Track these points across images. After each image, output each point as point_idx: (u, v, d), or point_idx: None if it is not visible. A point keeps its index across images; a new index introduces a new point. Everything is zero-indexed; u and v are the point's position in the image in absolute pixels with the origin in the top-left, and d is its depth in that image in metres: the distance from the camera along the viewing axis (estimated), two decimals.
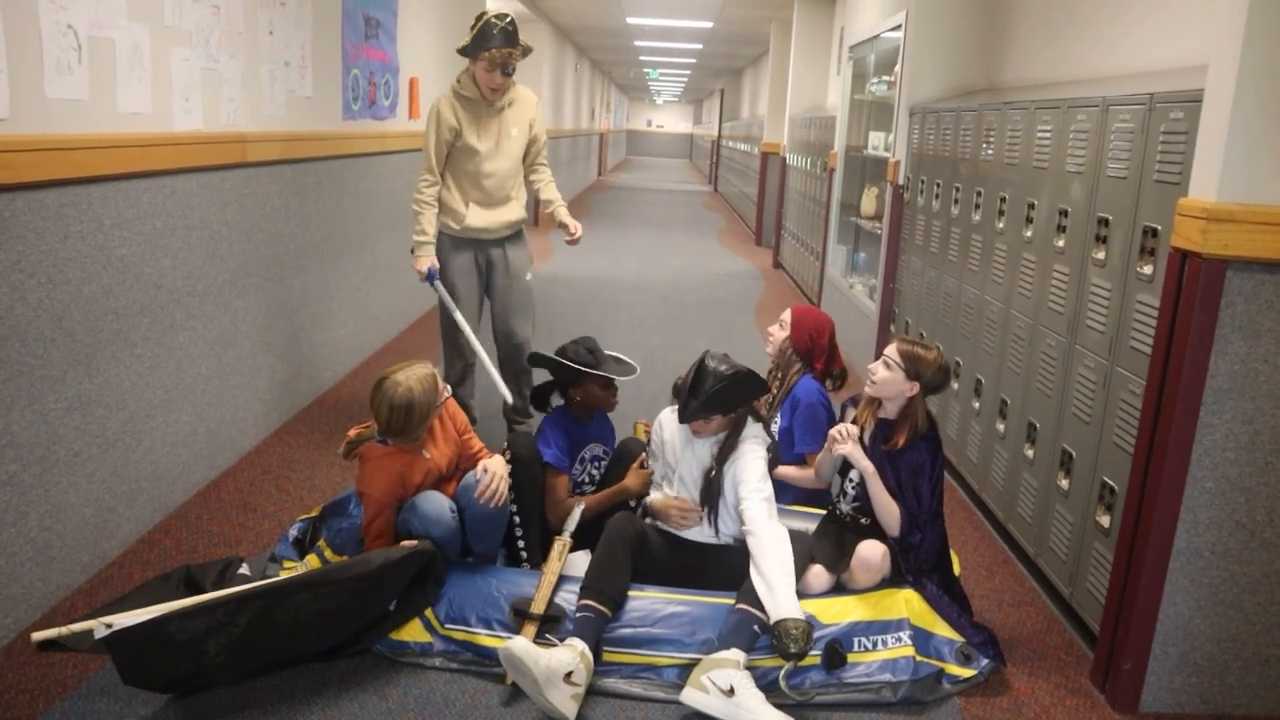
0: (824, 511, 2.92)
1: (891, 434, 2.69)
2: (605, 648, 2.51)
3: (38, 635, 2.44)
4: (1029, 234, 3.37)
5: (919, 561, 2.67)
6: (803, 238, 8.63)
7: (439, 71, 6.44)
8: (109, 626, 2.24)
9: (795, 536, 2.64)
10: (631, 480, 2.93)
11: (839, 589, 2.70)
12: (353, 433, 2.76)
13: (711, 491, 2.69)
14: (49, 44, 2.54)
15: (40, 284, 2.56)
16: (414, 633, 2.57)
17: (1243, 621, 2.47)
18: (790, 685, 2.43)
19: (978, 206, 3.90)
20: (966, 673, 2.55)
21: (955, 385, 3.98)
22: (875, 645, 2.53)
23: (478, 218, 3.88)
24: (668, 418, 2.83)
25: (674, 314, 7.32)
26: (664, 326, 6.83)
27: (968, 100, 4.42)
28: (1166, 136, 2.52)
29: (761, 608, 2.45)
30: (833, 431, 2.71)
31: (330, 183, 4.68)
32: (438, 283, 3.89)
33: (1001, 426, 3.50)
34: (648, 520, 2.81)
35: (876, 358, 2.74)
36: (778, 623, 2.40)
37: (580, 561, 2.71)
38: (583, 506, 2.85)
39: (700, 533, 2.74)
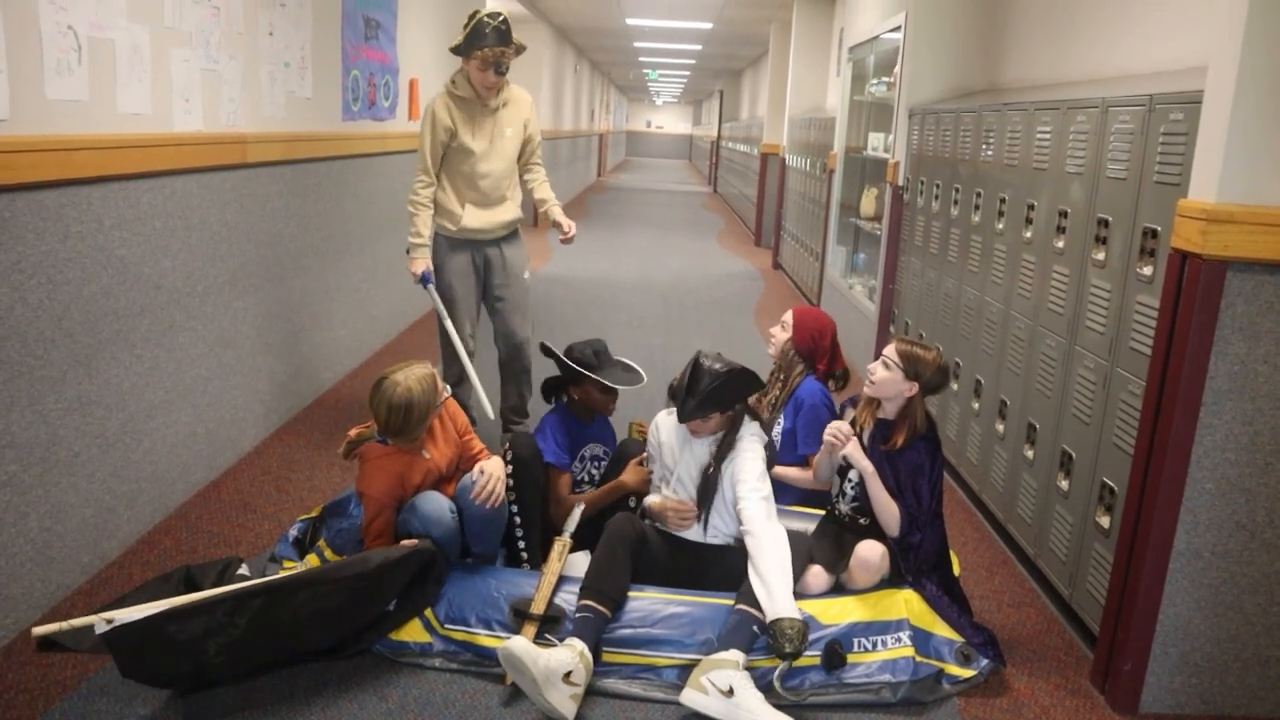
0: (823, 512, 2.92)
1: (890, 434, 2.69)
2: (605, 648, 2.51)
3: (39, 630, 2.44)
4: (1029, 235, 3.37)
5: (918, 562, 2.67)
6: (802, 239, 8.63)
7: (439, 72, 6.43)
8: (110, 622, 2.24)
9: (794, 537, 2.64)
10: (629, 477, 2.93)
11: (838, 589, 2.70)
12: (353, 433, 2.77)
13: (708, 489, 2.69)
14: (49, 45, 2.54)
15: (40, 284, 2.56)
16: (414, 633, 2.57)
17: (1242, 622, 2.47)
18: (789, 686, 2.44)
19: (977, 207, 3.90)
20: (966, 673, 2.55)
21: (955, 386, 3.98)
22: (875, 646, 2.53)
23: (474, 218, 3.88)
24: (664, 420, 2.83)
25: (673, 315, 7.32)
26: (663, 327, 6.83)
27: (967, 101, 4.43)
28: (1166, 137, 2.52)
29: (760, 608, 2.45)
30: (827, 436, 2.72)
31: (330, 184, 4.68)
32: (431, 286, 3.88)
33: (1001, 427, 3.50)
34: (647, 521, 2.81)
35: (876, 358, 2.75)
36: (773, 622, 2.40)
37: (580, 562, 2.71)
38: (583, 507, 2.84)
39: (698, 533, 2.74)
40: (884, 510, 2.66)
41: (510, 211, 3.97)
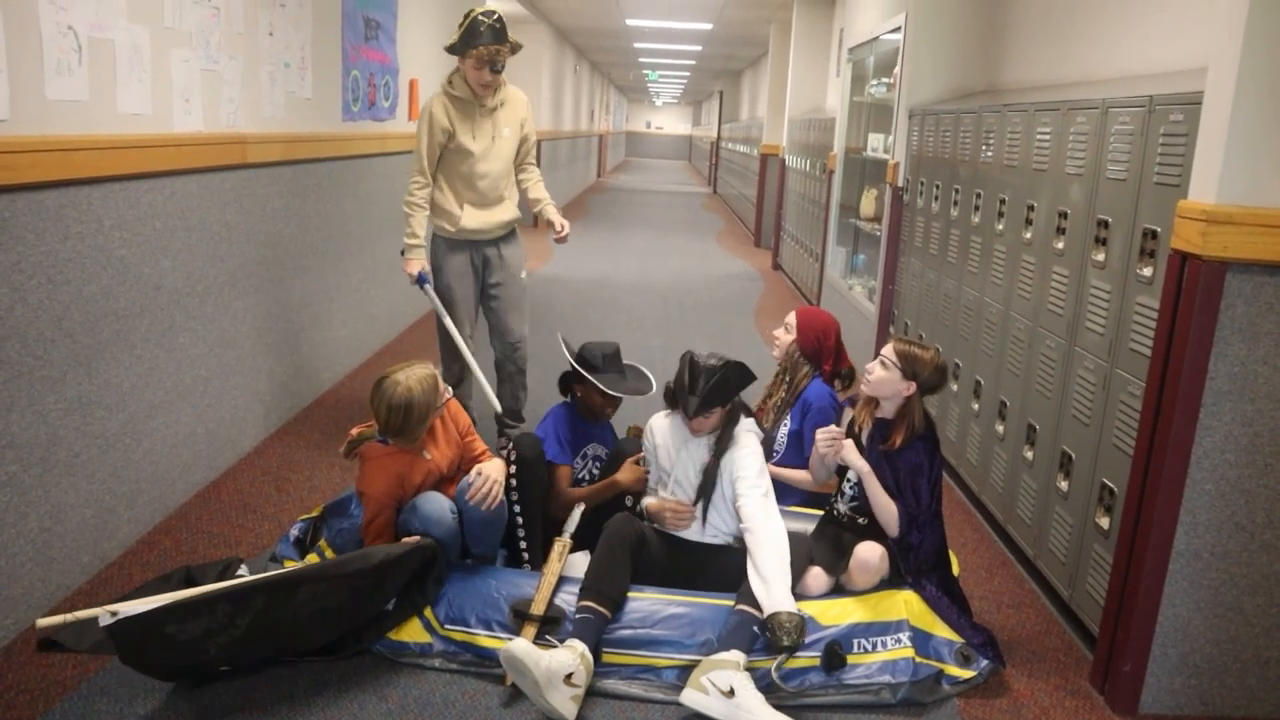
0: (823, 513, 2.92)
1: (889, 434, 2.69)
2: (605, 649, 2.51)
3: (43, 621, 2.43)
4: (1028, 236, 3.37)
5: (918, 562, 2.67)
6: (802, 239, 8.63)
7: (439, 73, 6.40)
8: (114, 614, 2.24)
9: (794, 538, 2.64)
10: (623, 475, 2.92)
11: (838, 590, 2.70)
12: (354, 431, 2.77)
13: (708, 482, 2.69)
14: (49, 45, 2.54)
15: (40, 285, 2.56)
16: (414, 633, 2.57)
17: (1242, 623, 2.47)
18: (789, 687, 2.43)
19: (977, 208, 3.90)
20: (966, 674, 2.55)
21: (955, 387, 3.98)
22: (875, 647, 2.53)
23: (472, 219, 3.88)
24: (658, 423, 2.83)
25: (673, 315, 7.32)
26: (663, 328, 6.83)
27: (967, 102, 4.43)
28: (1166, 139, 2.53)
29: (760, 608, 2.45)
30: (819, 445, 2.72)
31: (330, 184, 4.68)
32: (428, 287, 3.88)
33: (1001, 428, 3.50)
34: (645, 522, 2.81)
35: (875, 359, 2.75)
36: (770, 616, 2.41)
37: (580, 562, 2.71)
38: (583, 507, 2.85)
39: (698, 531, 2.75)
40: (883, 510, 2.66)
41: (508, 211, 3.97)
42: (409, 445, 2.70)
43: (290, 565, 2.84)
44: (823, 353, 3.18)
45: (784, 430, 3.15)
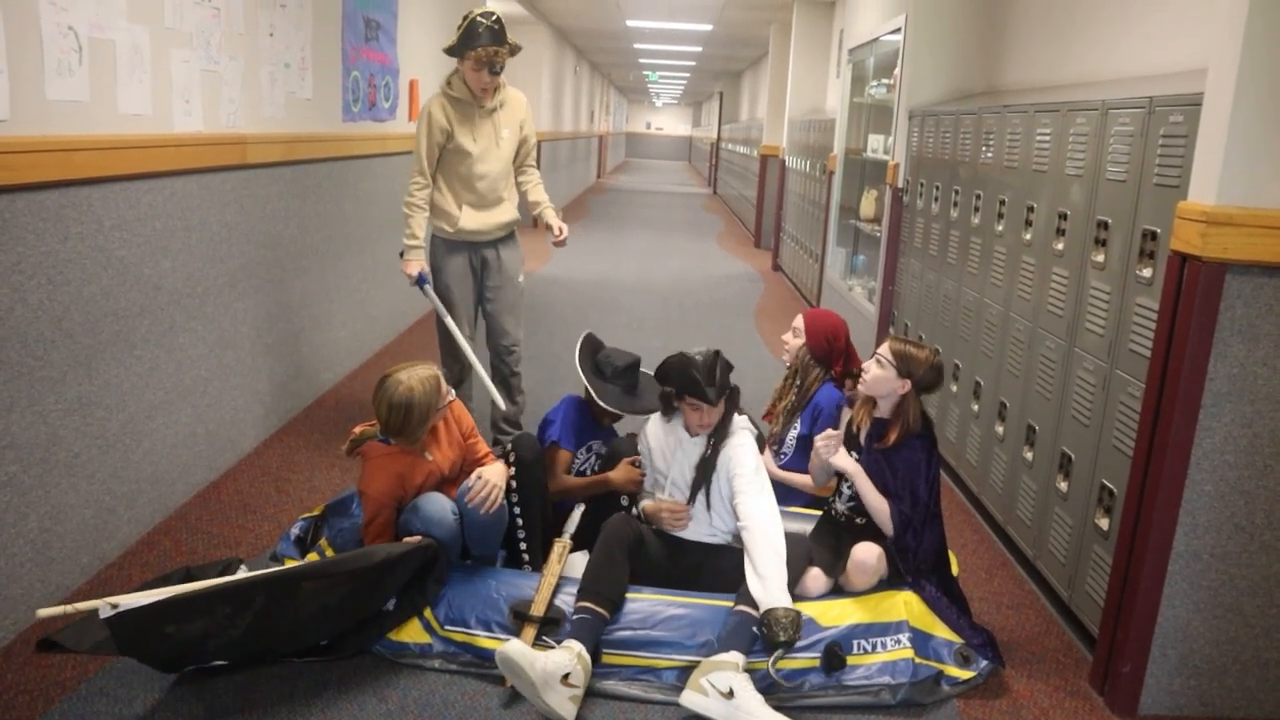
0: (822, 513, 2.93)
1: (884, 432, 2.69)
2: (604, 650, 2.51)
3: (43, 611, 2.42)
4: (1028, 237, 3.37)
5: (917, 563, 2.67)
6: (802, 240, 8.63)
7: (439, 74, 6.39)
8: (115, 607, 2.24)
9: (794, 539, 2.64)
10: (616, 473, 2.93)
11: (837, 591, 2.70)
12: (357, 430, 2.77)
13: (705, 471, 2.70)
14: (49, 45, 2.54)
15: (40, 285, 2.56)
16: (413, 634, 2.57)
17: (1242, 624, 2.47)
18: (789, 688, 2.44)
19: (977, 209, 3.90)
20: (965, 675, 2.55)
21: (954, 388, 3.98)
22: (874, 648, 2.54)
23: (471, 220, 3.87)
24: (652, 427, 2.84)
25: (673, 316, 7.32)
26: (663, 329, 6.83)
27: (967, 103, 4.43)
28: (1166, 140, 2.53)
29: (758, 607, 2.45)
30: (818, 447, 2.73)
31: (330, 184, 4.68)
32: (428, 287, 3.88)
33: (1001, 429, 3.51)
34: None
35: None
36: (767, 611, 2.41)
37: (580, 563, 2.71)
38: (583, 508, 2.85)
39: (697, 530, 2.75)
40: (876, 509, 2.66)
41: (507, 213, 3.97)
42: (410, 446, 2.70)
43: (290, 564, 2.85)
44: (833, 354, 3.18)
45: (793, 434, 3.15)
